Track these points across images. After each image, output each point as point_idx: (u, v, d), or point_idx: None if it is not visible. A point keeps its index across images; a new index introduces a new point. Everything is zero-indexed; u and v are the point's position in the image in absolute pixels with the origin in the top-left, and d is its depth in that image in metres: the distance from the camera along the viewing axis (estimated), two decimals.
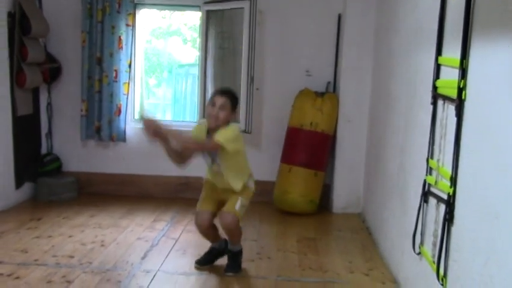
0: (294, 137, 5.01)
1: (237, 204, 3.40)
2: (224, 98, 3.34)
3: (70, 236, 4.11)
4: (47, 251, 3.77)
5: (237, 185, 3.45)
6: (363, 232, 4.55)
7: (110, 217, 4.67)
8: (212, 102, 3.34)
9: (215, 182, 3.54)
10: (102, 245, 3.95)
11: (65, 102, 5.39)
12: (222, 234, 3.60)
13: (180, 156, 3.43)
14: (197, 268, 3.60)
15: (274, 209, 5.09)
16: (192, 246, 4.02)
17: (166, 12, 9.59)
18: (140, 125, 5.44)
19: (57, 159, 5.38)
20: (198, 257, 3.69)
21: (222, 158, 3.37)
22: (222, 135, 3.26)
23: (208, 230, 3.57)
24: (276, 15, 5.22)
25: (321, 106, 4.91)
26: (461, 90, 2.37)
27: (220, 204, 3.51)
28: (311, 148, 4.94)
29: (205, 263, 3.63)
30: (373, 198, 4.49)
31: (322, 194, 5.08)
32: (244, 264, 3.66)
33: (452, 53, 2.57)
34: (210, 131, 3.37)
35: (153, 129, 3.20)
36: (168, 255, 3.83)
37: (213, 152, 3.37)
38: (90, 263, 3.59)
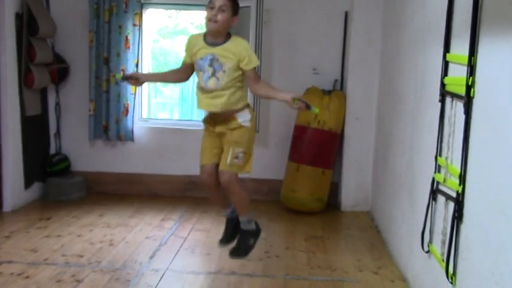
0: (301, 135, 5.00)
1: (228, 158, 3.06)
2: (224, 0, 2.99)
3: (79, 236, 4.14)
4: (57, 251, 3.79)
5: (238, 102, 3.08)
6: (371, 230, 4.54)
7: (118, 216, 4.69)
8: (210, 5, 2.99)
9: (205, 107, 3.14)
10: (111, 244, 3.97)
11: (73, 102, 5.42)
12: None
13: (175, 77, 3.35)
14: (222, 247, 3.36)
15: (282, 207, 5.08)
16: (200, 245, 4.03)
17: (173, 12, 9.61)
18: (151, 122, 5.47)
19: (65, 159, 5.40)
20: (207, 255, 3.65)
21: (228, 72, 3.02)
22: (249, 58, 3.01)
23: (214, 190, 3.23)
24: (282, 13, 5.21)
25: (328, 104, 4.90)
26: (469, 87, 2.35)
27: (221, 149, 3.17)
28: (318, 146, 4.93)
29: (227, 240, 3.33)
30: (382, 196, 4.48)
31: (330, 192, 5.07)
32: (252, 263, 3.65)
33: (460, 49, 2.55)
34: (209, 38, 3.06)
35: (138, 79, 3.26)
36: (176, 254, 3.84)
37: (217, 62, 3.02)
38: (99, 262, 3.61)
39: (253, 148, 3.20)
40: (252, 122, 3.16)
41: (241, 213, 3.22)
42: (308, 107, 2.97)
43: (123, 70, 3.37)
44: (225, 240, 3.35)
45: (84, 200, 5.17)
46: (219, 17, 2.96)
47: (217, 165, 3.14)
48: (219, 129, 3.13)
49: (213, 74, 3.04)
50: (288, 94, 3.01)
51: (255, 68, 3.06)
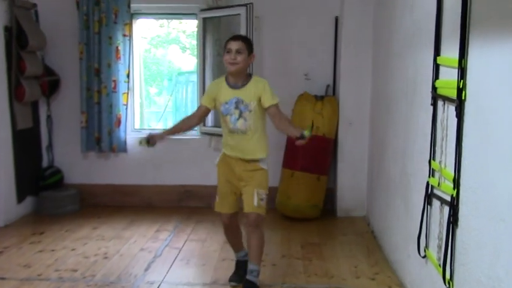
0: (295, 141, 4.96)
1: (254, 200, 3.23)
2: (239, 42, 3.21)
3: (73, 249, 4.09)
4: (50, 265, 3.75)
5: (260, 151, 3.28)
6: (367, 236, 4.51)
7: (112, 229, 4.64)
8: (227, 49, 3.20)
9: (233, 151, 3.28)
10: (106, 257, 3.92)
11: (65, 115, 5.38)
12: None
13: (190, 124, 3.52)
14: (233, 286, 3.43)
15: (278, 214, 5.05)
16: (195, 256, 3.99)
17: (164, 21, 9.60)
18: (144, 133, 5.44)
19: (58, 171, 5.36)
20: (203, 266, 3.67)
21: (254, 111, 3.21)
22: (270, 96, 3.21)
23: (232, 232, 3.47)
24: (273, 20, 5.20)
25: (321, 110, 4.88)
26: (460, 90, 2.34)
27: (239, 191, 3.33)
28: (313, 152, 4.90)
29: (240, 280, 3.41)
30: (377, 201, 4.45)
31: (325, 198, 5.05)
32: None
33: (450, 52, 2.54)
34: (231, 80, 3.26)
35: (157, 139, 3.36)
36: (171, 265, 3.80)
37: (243, 104, 3.20)
38: (94, 275, 3.57)
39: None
40: (268, 164, 3.34)
41: (253, 260, 3.33)
42: (303, 137, 3.08)
43: (148, 137, 3.22)
44: (238, 279, 3.44)
45: (78, 213, 5.12)
46: (238, 58, 3.16)
47: (233, 213, 3.38)
48: (238, 169, 3.28)
49: (240, 115, 3.22)
50: (293, 133, 3.16)
51: (276, 104, 3.22)
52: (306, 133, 3.09)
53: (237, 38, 3.29)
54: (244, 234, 3.47)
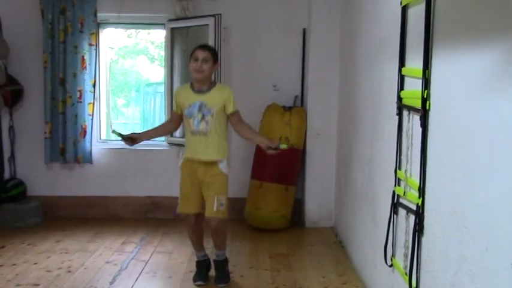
0: (264, 152, 4.92)
1: (214, 206, 3.44)
2: (205, 52, 3.45)
3: (35, 263, 3.97)
4: (11, 280, 3.62)
5: (219, 153, 3.48)
6: (335, 246, 4.53)
7: (77, 241, 4.53)
8: (195, 57, 3.43)
9: (196, 153, 3.47)
10: (69, 271, 3.82)
11: (28, 125, 5.25)
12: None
13: (168, 130, 3.88)
14: (200, 285, 3.60)
15: (246, 226, 5.03)
16: (162, 268, 3.92)
17: (133, 31, 9.52)
18: (110, 144, 5.35)
19: (21, 183, 5.21)
20: (169, 278, 3.66)
21: (216, 115, 3.44)
22: (232, 103, 3.47)
23: (196, 232, 3.64)
24: (241, 31, 5.21)
25: (290, 120, 4.90)
26: (425, 100, 2.38)
27: (201, 194, 3.53)
28: (281, 163, 4.90)
29: (206, 279, 3.65)
30: (345, 211, 4.48)
31: (293, 208, 5.05)
32: (216, 284, 3.60)
33: (415, 63, 2.59)
34: (196, 86, 3.49)
35: (134, 139, 3.56)
36: (137, 278, 3.72)
37: (206, 108, 3.43)
38: None
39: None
40: (228, 169, 3.55)
41: (220, 248, 3.66)
42: (276, 148, 3.36)
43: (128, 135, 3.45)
44: (202, 278, 3.64)
45: (41, 226, 4.98)
46: (204, 66, 3.41)
47: (197, 214, 3.55)
48: (200, 174, 3.48)
49: (203, 118, 3.44)
50: (264, 142, 3.45)
51: (237, 111, 3.50)
52: (283, 146, 3.36)
53: (203, 47, 3.54)
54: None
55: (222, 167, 3.50)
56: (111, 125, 3.54)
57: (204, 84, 3.48)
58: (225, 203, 3.50)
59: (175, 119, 3.67)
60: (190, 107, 3.46)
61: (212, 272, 3.72)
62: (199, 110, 3.44)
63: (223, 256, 3.69)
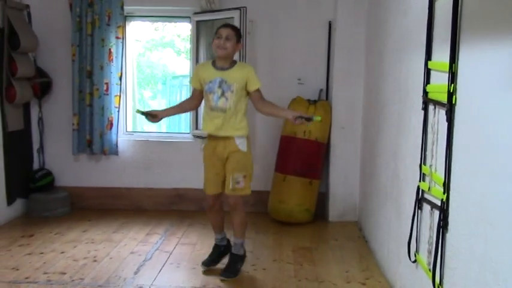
0: (288, 145, 4.97)
1: (230, 184, 3.50)
2: (229, 29, 3.50)
3: (62, 252, 4.05)
4: (39, 268, 3.71)
5: (237, 130, 3.49)
6: (359, 240, 4.50)
7: (102, 232, 4.61)
8: (218, 35, 3.47)
9: (215, 129, 3.49)
10: (95, 261, 3.89)
11: (56, 117, 5.35)
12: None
13: (189, 106, 3.83)
14: (204, 270, 3.69)
15: (270, 219, 5.04)
16: (186, 260, 3.96)
17: (159, 25, 9.58)
18: (136, 136, 5.42)
19: (49, 174, 5.32)
20: (193, 269, 3.71)
21: (236, 92, 3.46)
22: (255, 80, 3.50)
23: (216, 212, 3.71)
24: (266, 24, 5.20)
25: (314, 114, 4.86)
26: (451, 94, 2.34)
27: (223, 173, 3.57)
28: (305, 156, 4.90)
29: (210, 263, 3.73)
30: (369, 206, 4.45)
31: (317, 202, 5.03)
32: (239, 277, 3.62)
33: (441, 57, 2.54)
34: (218, 63, 3.53)
35: (157, 116, 3.61)
36: (161, 269, 3.77)
37: (226, 84, 3.46)
38: (82, 279, 3.53)
39: (252, 171, 3.63)
40: (248, 147, 3.56)
41: (237, 235, 3.67)
42: (309, 119, 3.36)
43: (149, 111, 3.58)
44: (209, 262, 3.73)
45: (68, 216, 5.09)
46: (227, 44, 3.44)
47: (218, 194, 3.63)
48: (219, 151, 3.52)
49: (222, 95, 3.46)
50: (290, 113, 3.48)
51: (258, 88, 3.52)
52: (317, 118, 3.38)
53: (227, 25, 3.61)
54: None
55: (239, 143, 3.51)
56: (137, 110, 3.64)
57: (225, 61, 3.51)
58: (244, 180, 3.52)
59: (196, 96, 3.68)
60: (210, 83, 3.49)
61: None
62: (220, 86, 3.46)
63: (240, 250, 3.69)
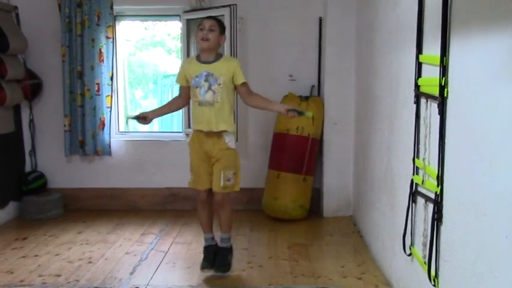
0: (281, 142, 4.97)
1: (221, 181, 3.44)
2: (212, 21, 3.45)
3: (57, 254, 4.03)
4: (33, 271, 3.69)
5: (225, 124, 3.43)
6: (354, 235, 4.51)
7: (97, 233, 4.59)
8: (201, 26, 3.43)
9: (203, 123, 3.44)
10: (90, 262, 3.87)
11: (48, 118, 5.32)
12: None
13: (177, 105, 3.73)
14: (205, 271, 3.61)
15: (264, 216, 5.04)
16: (181, 259, 3.96)
17: (150, 24, 9.54)
18: (129, 136, 5.40)
19: (41, 176, 5.29)
20: (188, 268, 3.70)
21: (223, 85, 3.40)
22: (241, 74, 3.44)
23: (207, 208, 3.63)
24: (257, 21, 5.19)
25: (306, 110, 4.86)
26: (443, 87, 2.34)
27: (210, 169, 3.51)
28: (298, 153, 4.90)
29: (211, 265, 3.60)
30: (363, 200, 4.46)
31: (312, 198, 5.04)
32: (235, 274, 3.62)
33: (432, 50, 2.55)
34: (202, 56, 3.47)
35: (147, 118, 3.58)
36: (157, 269, 3.76)
37: (212, 77, 3.40)
38: (78, 280, 3.52)
39: (239, 168, 3.56)
40: (235, 143, 3.52)
41: (224, 230, 3.64)
42: (301, 113, 3.34)
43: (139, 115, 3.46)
44: (209, 265, 3.61)
45: (62, 218, 5.06)
46: (210, 35, 3.39)
47: (208, 189, 3.54)
48: (208, 148, 3.46)
49: (209, 88, 3.41)
50: (282, 107, 3.47)
51: (245, 82, 3.47)
52: (309, 114, 3.38)
53: (210, 17, 3.55)
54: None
55: (229, 141, 3.46)
56: (128, 116, 3.62)
57: (210, 54, 3.44)
58: (234, 177, 3.49)
59: (183, 93, 3.61)
60: (197, 77, 3.42)
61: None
62: (206, 79, 3.40)
63: (227, 243, 3.65)
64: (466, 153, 2.15)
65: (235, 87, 3.50)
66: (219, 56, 3.48)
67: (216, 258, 3.61)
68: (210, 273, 3.59)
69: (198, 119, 3.48)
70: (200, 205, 3.64)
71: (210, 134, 3.45)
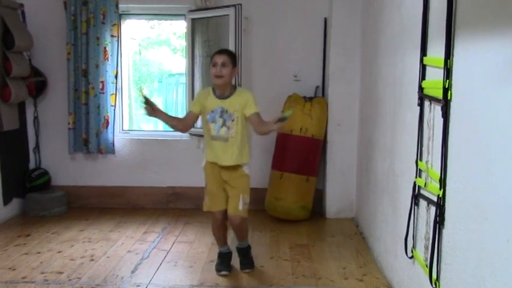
0: (284, 143, 4.97)
1: (240, 204, 3.50)
2: (224, 55, 3.45)
3: (59, 252, 4.04)
4: (35, 268, 3.70)
5: (240, 158, 3.48)
6: (356, 237, 4.50)
7: (99, 231, 4.60)
8: (213, 63, 3.44)
9: (217, 158, 3.49)
10: (92, 260, 3.88)
11: (52, 116, 5.33)
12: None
13: (180, 125, 3.63)
14: (224, 274, 3.63)
15: (267, 216, 5.04)
16: (183, 258, 3.96)
17: (155, 23, 9.56)
18: (132, 134, 5.40)
19: (45, 173, 5.31)
20: (190, 267, 3.71)
21: (237, 120, 3.44)
22: (253, 105, 3.44)
23: (221, 227, 3.66)
24: (261, 21, 5.19)
25: (310, 111, 4.87)
26: (446, 90, 2.34)
27: (226, 191, 3.57)
28: (302, 153, 4.90)
29: (225, 268, 3.66)
30: (366, 202, 4.45)
31: (314, 199, 5.03)
32: (236, 275, 3.63)
33: (436, 53, 2.54)
34: (217, 91, 3.49)
35: (154, 110, 3.45)
36: (159, 267, 3.77)
37: (226, 114, 3.44)
38: (79, 278, 3.53)
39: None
40: (250, 170, 3.60)
41: (243, 240, 3.75)
42: (284, 119, 3.24)
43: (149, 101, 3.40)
44: (228, 267, 3.68)
45: (65, 215, 5.08)
46: (223, 71, 3.40)
47: (223, 211, 3.58)
48: (224, 175, 3.52)
49: (224, 124, 3.46)
50: (271, 123, 3.31)
51: (257, 112, 3.45)
52: (288, 112, 3.28)
53: (222, 51, 3.54)
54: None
55: (245, 168, 3.55)
56: (141, 89, 3.52)
57: (224, 89, 3.48)
58: (248, 203, 3.58)
59: (189, 119, 3.58)
60: (212, 112, 3.47)
61: (233, 262, 3.76)
62: (221, 115, 3.45)
63: (246, 244, 3.77)
64: (469, 156, 2.14)
65: (246, 118, 3.48)
66: (233, 90, 3.51)
67: (240, 258, 3.76)
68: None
69: (211, 153, 3.53)
70: (216, 226, 3.66)
71: (225, 166, 3.51)
